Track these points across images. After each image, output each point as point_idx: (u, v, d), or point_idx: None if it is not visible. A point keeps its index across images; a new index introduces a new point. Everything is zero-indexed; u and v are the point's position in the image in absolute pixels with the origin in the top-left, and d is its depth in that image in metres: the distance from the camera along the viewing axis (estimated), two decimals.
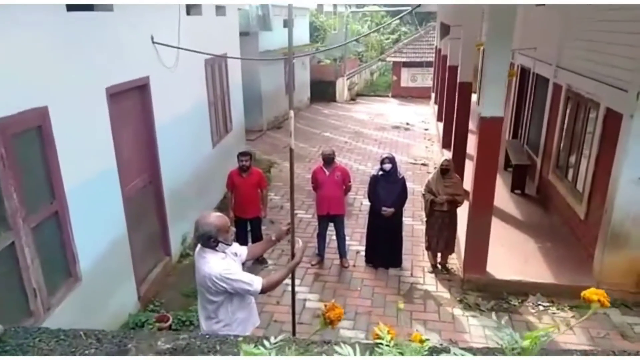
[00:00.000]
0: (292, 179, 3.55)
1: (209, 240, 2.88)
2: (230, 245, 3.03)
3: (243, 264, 3.37)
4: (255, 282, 2.96)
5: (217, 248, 2.93)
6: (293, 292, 3.94)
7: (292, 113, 3.25)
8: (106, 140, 4.52)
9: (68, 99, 3.89)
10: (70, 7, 3.88)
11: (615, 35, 5.81)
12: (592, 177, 6.28)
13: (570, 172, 7.24)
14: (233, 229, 3.12)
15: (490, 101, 5.45)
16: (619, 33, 5.73)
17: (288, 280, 3.62)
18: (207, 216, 2.95)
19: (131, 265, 5.03)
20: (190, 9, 6.93)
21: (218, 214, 3.01)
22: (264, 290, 3.01)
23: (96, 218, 4.35)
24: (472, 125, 9.32)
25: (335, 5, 27.53)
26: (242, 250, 3.30)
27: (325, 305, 1.17)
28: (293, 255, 3.41)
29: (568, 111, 7.53)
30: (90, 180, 4.22)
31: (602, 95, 6.10)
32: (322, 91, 20.34)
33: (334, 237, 6.79)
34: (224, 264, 2.92)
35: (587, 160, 6.52)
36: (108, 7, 4.49)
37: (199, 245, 2.99)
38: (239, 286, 2.90)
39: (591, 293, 1.04)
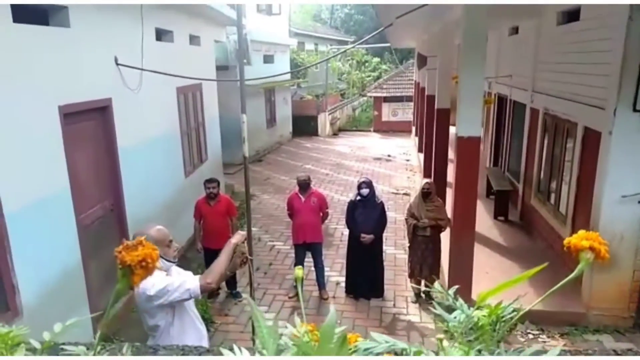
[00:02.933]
0: (247, 188, 3.29)
1: None
2: (173, 262, 2.69)
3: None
4: (190, 279, 2.54)
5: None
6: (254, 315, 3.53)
7: (244, 117, 3.00)
8: (58, 161, 4.19)
9: (12, 115, 3.60)
10: (19, 20, 3.65)
11: (588, 55, 5.81)
12: (575, 199, 6.12)
13: (553, 195, 7.09)
14: (176, 244, 2.75)
15: (467, 121, 5.33)
16: (590, 52, 5.72)
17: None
18: (144, 229, 2.62)
19: (86, 299, 4.61)
20: (161, 36, 6.81)
21: (158, 227, 2.68)
22: (205, 287, 2.56)
23: (43, 246, 3.96)
24: (452, 154, 9.23)
25: (316, 44, 28.11)
26: (193, 284, 2.86)
27: (125, 242, 0.76)
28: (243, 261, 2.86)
29: (546, 134, 7.47)
30: (37, 204, 3.87)
31: (579, 115, 6.03)
32: (305, 126, 20.38)
33: (313, 269, 6.46)
34: (156, 276, 2.54)
35: (568, 182, 6.38)
36: (65, 24, 4.29)
37: None
38: (173, 289, 2.48)
39: (579, 238, 0.77)
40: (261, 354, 0.66)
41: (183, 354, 0.86)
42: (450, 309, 0.83)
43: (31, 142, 3.85)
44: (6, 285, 3.51)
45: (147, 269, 0.69)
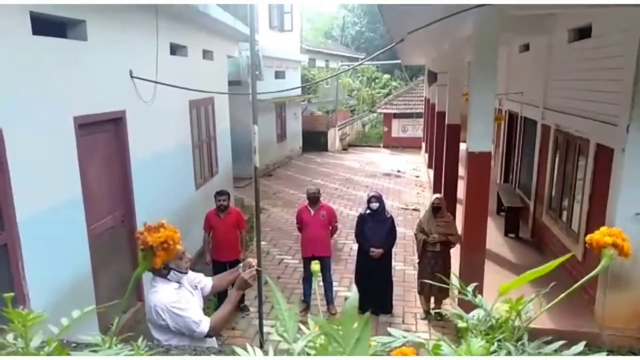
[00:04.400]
0: (257, 198, 3.32)
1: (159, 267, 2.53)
2: (185, 273, 2.69)
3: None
4: (204, 322, 2.57)
5: (169, 277, 2.59)
6: (261, 328, 3.54)
7: (255, 128, 3.04)
8: (72, 171, 4.25)
9: (28, 124, 3.67)
10: (38, 32, 3.75)
11: (599, 72, 5.80)
12: (587, 216, 6.04)
13: (565, 212, 7.01)
14: (189, 255, 2.77)
15: (478, 137, 5.33)
16: (602, 69, 5.71)
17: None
18: None
19: (95, 310, 4.61)
20: (175, 50, 6.93)
21: None
22: (210, 333, 2.60)
23: (55, 254, 4.00)
24: (462, 171, 9.20)
25: (327, 61, 28.38)
26: (206, 282, 2.95)
27: (146, 224, 0.79)
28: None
29: (558, 151, 7.42)
30: (49, 213, 3.91)
31: (591, 132, 5.99)
32: (314, 141, 20.47)
33: (321, 283, 6.41)
34: (175, 295, 2.56)
35: (580, 199, 6.31)
36: (82, 37, 4.39)
37: (151, 277, 2.65)
38: (184, 323, 2.49)
39: (602, 234, 0.76)
40: (282, 336, 0.66)
41: (195, 354, 0.87)
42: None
43: (46, 151, 3.92)
44: (17, 295, 3.52)
45: (168, 251, 0.71)
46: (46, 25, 3.97)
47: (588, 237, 0.76)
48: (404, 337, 0.73)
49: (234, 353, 0.75)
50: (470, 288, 0.85)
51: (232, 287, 2.88)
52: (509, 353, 0.73)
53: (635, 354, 5.05)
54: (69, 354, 0.81)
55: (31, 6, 3.63)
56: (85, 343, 0.87)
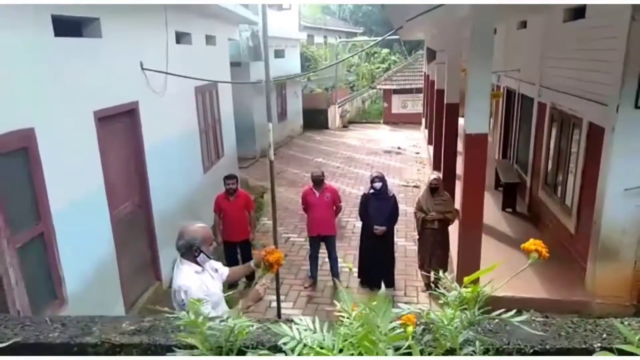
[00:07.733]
0: (272, 187, 3.57)
1: (191, 249, 2.83)
2: (210, 258, 2.99)
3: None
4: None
5: (197, 259, 2.88)
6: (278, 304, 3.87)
7: (270, 126, 3.29)
8: (94, 162, 4.55)
9: (55, 122, 3.94)
10: (59, 33, 3.98)
11: (592, 52, 5.99)
12: (580, 192, 6.34)
13: (559, 188, 7.31)
14: (214, 243, 3.06)
15: (475, 118, 5.54)
16: (595, 50, 5.90)
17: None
18: (192, 225, 2.91)
19: (119, 288, 4.97)
20: (180, 38, 7.10)
21: (203, 224, 2.98)
22: None
23: (84, 240, 4.33)
24: (461, 147, 9.44)
25: (325, 37, 28.24)
26: (223, 270, 3.23)
27: (265, 249, 1.18)
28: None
29: (553, 128, 7.66)
30: (77, 202, 4.22)
31: (584, 111, 6.22)
32: (315, 119, 20.62)
33: (327, 260, 6.77)
34: (197, 280, 2.81)
35: (574, 175, 6.59)
36: (97, 34, 4.61)
37: (178, 258, 2.94)
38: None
39: (530, 244, 1.09)
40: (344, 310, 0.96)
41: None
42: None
43: (72, 145, 4.20)
44: (54, 277, 3.87)
45: (277, 265, 1.08)
46: (63, 25, 4.19)
47: (522, 245, 1.09)
48: (409, 309, 1.06)
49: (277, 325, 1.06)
50: (450, 276, 1.17)
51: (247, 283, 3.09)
52: (466, 316, 1.05)
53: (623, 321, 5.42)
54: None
55: (52, 9, 3.84)
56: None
